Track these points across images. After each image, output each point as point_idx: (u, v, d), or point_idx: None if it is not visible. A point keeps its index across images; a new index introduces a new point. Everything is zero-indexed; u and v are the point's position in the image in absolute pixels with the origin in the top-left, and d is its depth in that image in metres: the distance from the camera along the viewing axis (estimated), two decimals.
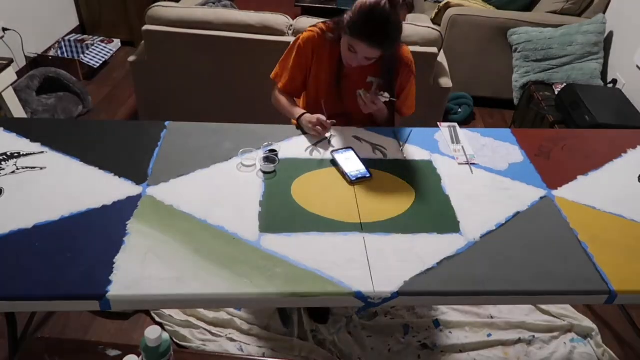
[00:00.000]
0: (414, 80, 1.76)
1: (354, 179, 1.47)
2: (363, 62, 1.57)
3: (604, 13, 3.20)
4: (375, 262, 1.21)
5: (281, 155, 1.54)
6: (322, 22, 1.71)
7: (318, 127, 1.63)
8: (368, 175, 1.49)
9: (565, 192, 1.50)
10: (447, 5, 3.35)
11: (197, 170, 1.46)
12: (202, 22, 2.47)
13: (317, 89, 1.75)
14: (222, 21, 2.47)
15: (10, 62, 2.36)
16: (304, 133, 1.68)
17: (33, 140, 1.53)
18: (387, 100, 1.60)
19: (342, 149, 1.59)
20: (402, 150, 1.58)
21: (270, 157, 1.49)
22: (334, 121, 1.65)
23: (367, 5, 1.46)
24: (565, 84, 2.96)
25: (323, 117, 1.63)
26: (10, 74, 2.38)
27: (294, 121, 1.73)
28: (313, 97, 1.78)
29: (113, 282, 1.10)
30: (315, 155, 1.58)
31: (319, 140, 1.64)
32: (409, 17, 3.54)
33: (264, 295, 1.12)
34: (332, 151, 1.57)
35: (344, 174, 1.49)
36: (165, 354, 1.15)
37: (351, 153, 1.57)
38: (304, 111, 1.70)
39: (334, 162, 1.55)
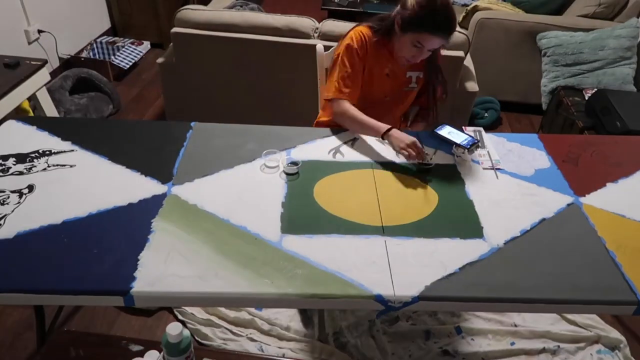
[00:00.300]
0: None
1: (468, 146, 1.58)
2: (425, 56, 1.60)
3: (638, 17, 3.11)
4: (397, 266, 1.21)
5: (304, 157, 1.54)
6: (360, 26, 1.69)
7: (411, 151, 1.51)
8: (476, 141, 1.60)
9: (594, 199, 1.46)
10: (475, 9, 3.31)
11: (221, 171, 1.48)
12: (229, 24, 2.50)
13: (368, 91, 1.73)
14: (248, 24, 2.50)
15: (44, 63, 2.43)
16: (326, 135, 1.68)
17: (64, 138, 1.57)
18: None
19: (437, 127, 1.68)
20: (431, 159, 1.58)
21: (294, 160, 1.50)
22: (427, 153, 1.57)
23: None
24: (595, 89, 2.89)
25: (417, 142, 1.51)
26: (44, 75, 2.45)
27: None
28: (362, 100, 1.72)
29: (137, 279, 1.12)
30: (338, 157, 1.58)
31: (341, 143, 1.64)
32: None
33: (285, 295, 1.13)
34: (432, 131, 1.68)
35: (455, 145, 1.60)
36: (186, 350, 1.16)
37: (449, 127, 1.67)
38: (389, 126, 1.57)
39: (436, 137, 1.65)
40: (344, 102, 1.65)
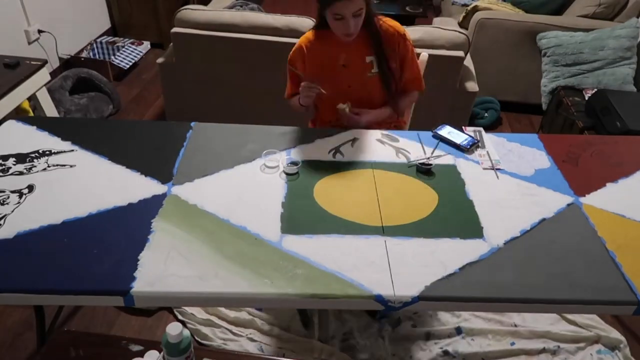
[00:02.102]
0: (414, 50, 1.76)
1: (469, 146, 1.62)
2: (357, 23, 1.56)
3: (638, 17, 3.11)
4: (397, 266, 1.21)
5: (304, 157, 1.55)
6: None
7: (309, 93, 1.65)
8: (476, 141, 1.64)
9: (594, 200, 1.46)
10: (475, 9, 3.31)
11: (221, 171, 1.48)
12: (229, 24, 2.50)
13: (331, 85, 1.72)
14: (248, 24, 2.49)
15: (44, 63, 2.43)
16: (326, 135, 1.68)
17: (64, 138, 1.57)
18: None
19: (438, 127, 1.69)
20: (429, 159, 1.58)
21: (294, 160, 1.50)
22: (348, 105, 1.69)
23: None
24: (595, 89, 2.89)
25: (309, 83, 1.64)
26: (44, 75, 2.45)
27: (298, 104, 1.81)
28: (325, 96, 1.72)
29: (137, 279, 1.13)
30: (338, 157, 1.58)
31: (341, 143, 1.64)
32: (436, 20, 3.52)
33: (285, 295, 1.13)
34: (432, 131, 1.69)
35: (455, 146, 1.63)
36: (186, 350, 1.16)
37: (449, 127, 1.69)
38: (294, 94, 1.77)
39: (437, 138, 1.67)
40: (288, 101, 1.87)
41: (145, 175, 1.44)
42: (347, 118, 1.72)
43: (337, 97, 1.71)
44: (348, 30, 1.57)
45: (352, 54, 1.69)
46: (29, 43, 3.11)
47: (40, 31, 3.16)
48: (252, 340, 1.89)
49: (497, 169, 1.57)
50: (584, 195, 1.47)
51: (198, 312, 1.96)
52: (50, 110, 2.59)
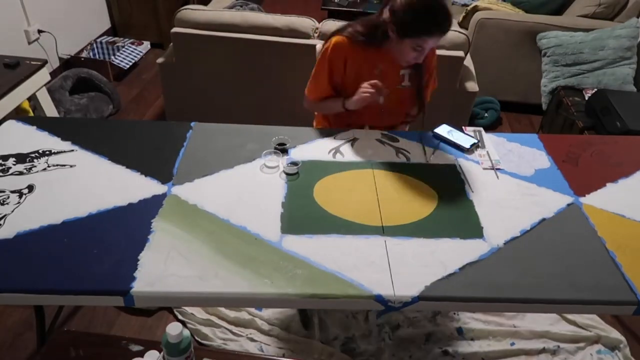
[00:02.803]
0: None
1: (470, 146, 1.62)
2: (427, 53, 1.59)
3: (638, 17, 3.11)
4: (396, 266, 1.21)
5: (304, 157, 1.55)
6: (345, 27, 1.68)
7: (369, 89, 1.58)
8: (476, 141, 1.65)
9: (594, 200, 1.46)
10: (475, 9, 3.31)
11: (221, 171, 1.48)
12: (229, 24, 2.50)
13: (355, 92, 1.70)
14: (248, 24, 2.50)
15: (44, 63, 2.43)
16: (326, 135, 1.68)
17: (64, 138, 1.57)
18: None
19: (437, 127, 1.70)
20: (429, 159, 1.58)
21: (294, 160, 1.50)
22: (387, 90, 1.62)
23: (417, 1, 1.46)
24: (595, 89, 2.89)
25: (377, 82, 1.59)
26: (44, 75, 2.45)
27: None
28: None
29: (137, 279, 1.13)
30: (338, 157, 1.58)
31: (341, 143, 1.64)
32: None
33: (285, 295, 1.13)
34: (432, 131, 1.70)
35: (455, 146, 1.64)
36: (186, 350, 1.16)
37: (449, 127, 1.70)
38: (337, 97, 1.72)
39: (437, 138, 1.68)
40: (309, 100, 1.79)
41: (145, 175, 1.44)
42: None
43: (367, 105, 1.69)
44: (419, 60, 1.60)
45: (388, 65, 1.67)
46: (29, 43, 3.11)
47: (40, 31, 3.16)
48: (252, 340, 1.89)
49: (497, 169, 1.57)
50: (584, 195, 1.47)
51: (198, 312, 1.96)
52: (50, 110, 2.59)
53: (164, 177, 1.44)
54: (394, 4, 1.50)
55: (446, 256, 1.24)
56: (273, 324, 1.94)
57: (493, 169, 1.57)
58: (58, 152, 1.51)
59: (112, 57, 3.58)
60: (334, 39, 1.67)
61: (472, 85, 2.56)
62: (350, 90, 1.69)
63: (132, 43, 3.75)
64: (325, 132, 1.70)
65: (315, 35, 2.51)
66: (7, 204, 1.31)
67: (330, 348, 1.86)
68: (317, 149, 1.61)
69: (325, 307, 1.78)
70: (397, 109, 1.78)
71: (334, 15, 3.68)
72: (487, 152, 1.64)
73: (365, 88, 1.59)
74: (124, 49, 3.65)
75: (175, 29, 2.54)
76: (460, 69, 2.49)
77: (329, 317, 1.97)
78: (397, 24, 1.51)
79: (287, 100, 2.69)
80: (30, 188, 1.37)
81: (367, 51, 1.66)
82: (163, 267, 1.16)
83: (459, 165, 1.57)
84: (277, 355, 1.83)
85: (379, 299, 1.13)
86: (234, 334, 1.91)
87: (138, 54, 3.68)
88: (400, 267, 1.20)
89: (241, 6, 3.39)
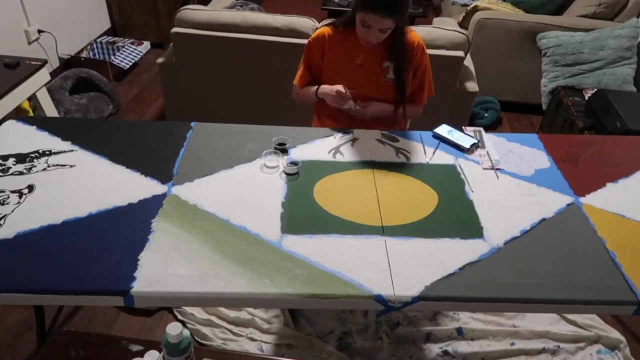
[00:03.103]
0: (428, 65, 1.78)
1: (470, 146, 1.62)
2: (379, 36, 1.59)
3: (638, 17, 3.11)
4: (396, 266, 1.21)
5: (304, 157, 1.55)
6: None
7: (339, 101, 1.67)
8: (476, 141, 1.65)
9: (593, 200, 1.46)
10: (475, 9, 3.31)
11: (221, 171, 1.48)
12: (229, 24, 2.50)
13: (334, 81, 1.74)
14: (248, 24, 2.50)
15: (44, 63, 2.43)
16: (326, 135, 1.68)
17: (64, 138, 1.57)
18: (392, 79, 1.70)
19: (437, 127, 1.70)
20: (429, 160, 1.58)
21: (294, 160, 1.50)
22: (353, 90, 1.67)
23: None
24: (595, 89, 2.89)
25: (341, 88, 1.65)
26: (44, 75, 2.45)
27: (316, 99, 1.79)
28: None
29: (137, 279, 1.13)
30: (338, 157, 1.58)
31: (341, 143, 1.64)
32: (436, 20, 3.52)
33: (285, 295, 1.13)
34: (432, 131, 1.70)
35: (455, 146, 1.64)
36: (186, 350, 1.16)
37: (449, 127, 1.69)
38: (318, 85, 1.77)
39: (437, 138, 1.68)
40: (295, 88, 1.86)
41: (145, 175, 1.44)
42: (354, 112, 1.74)
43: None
44: (369, 39, 1.61)
45: (370, 55, 1.71)
46: (29, 43, 3.11)
47: (40, 31, 3.16)
48: (252, 339, 1.89)
49: (497, 169, 1.57)
50: (584, 195, 1.47)
51: (198, 312, 1.96)
52: (50, 110, 2.59)
53: (164, 177, 1.44)
54: None
55: (446, 256, 1.24)
56: (273, 322, 1.94)
57: (493, 169, 1.57)
58: (58, 152, 1.51)
59: (112, 57, 3.58)
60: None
61: (472, 85, 2.56)
62: (328, 80, 1.76)
63: (132, 43, 3.74)
64: (325, 132, 1.70)
65: None
66: (7, 204, 1.31)
67: (330, 347, 1.86)
68: (317, 149, 1.61)
69: (325, 307, 1.78)
70: (384, 102, 1.77)
71: (334, 15, 3.68)
72: (487, 152, 1.64)
73: (333, 92, 1.67)
74: (124, 49, 3.65)
75: (175, 29, 2.54)
76: (460, 69, 2.49)
77: (323, 310, 1.97)
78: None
79: (287, 101, 2.68)
80: (30, 188, 1.37)
81: (348, 41, 1.69)
82: (163, 267, 1.16)
83: (459, 165, 1.57)
84: (277, 354, 1.83)
85: (379, 299, 1.13)
86: (233, 333, 1.91)
87: (138, 54, 3.68)
88: (400, 267, 1.20)
89: (241, 6, 3.38)
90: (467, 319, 2.00)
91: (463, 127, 1.73)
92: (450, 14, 3.77)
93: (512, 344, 1.93)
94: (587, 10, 3.19)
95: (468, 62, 2.65)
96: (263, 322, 1.94)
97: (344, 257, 1.22)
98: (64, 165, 1.46)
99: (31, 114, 2.64)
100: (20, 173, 1.42)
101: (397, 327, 1.96)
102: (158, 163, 1.49)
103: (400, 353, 1.88)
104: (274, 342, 1.89)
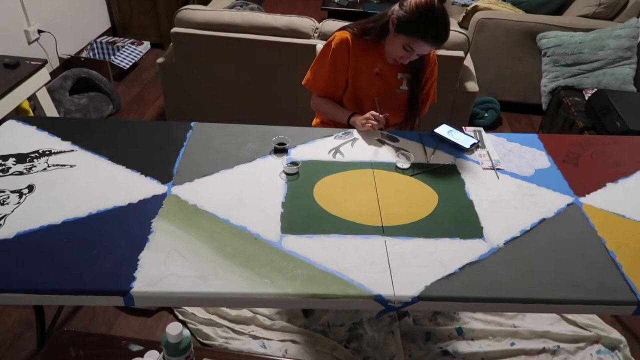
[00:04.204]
0: (436, 78, 1.83)
1: (470, 146, 1.62)
2: (413, 58, 1.62)
3: (638, 17, 3.11)
4: (396, 266, 1.21)
5: (304, 157, 1.55)
6: (351, 24, 1.74)
7: (372, 121, 1.66)
8: (476, 141, 1.64)
9: (594, 200, 1.46)
10: (475, 9, 3.31)
11: (221, 171, 1.48)
12: (229, 24, 2.50)
13: (355, 89, 1.77)
14: (249, 24, 2.50)
15: (44, 63, 2.43)
16: (326, 135, 1.68)
17: (64, 138, 1.57)
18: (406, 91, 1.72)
19: (437, 127, 1.69)
20: (429, 160, 1.58)
21: (294, 160, 1.50)
22: (387, 114, 1.69)
23: (425, 5, 1.50)
24: (595, 89, 2.89)
25: (375, 112, 1.66)
26: (44, 75, 2.45)
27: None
28: (352, 98, 1.80)
29: (137, 279, 1.12)
30: (338, 157, 1.58)
31: (341, 143, 1.64)
32: None
33: (285, 295, 1.13)
34: (432, 131, 1.69)
35: (455, 146, 1.63)
36: (186, 350, 1.16)
37: (449, 127, 1.69)
38: (352, 112, 1.75)
39: (437, 138, 1.67)
40: (316, 97, 1.84)
41: (145, 175, 1.44)
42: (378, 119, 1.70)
43: (364, 103, 1.76)
44: (403, 61, 1.63)
45: (387, 66, 1.72)
46: (29, 43, 3.11)
47: (40, 31, 3.16)
48: (254, 337, 1.89)
49: (497, 169, 1.57)
50: (584, 195, 1.47)
51: (199, 312, 1.96)
52: (50, 110, 2.59)
53: (164, 177, 1.44)
54: (404, 0, 1.56)
55: (446, 256, 1.24)
56: (275, 319, 1.94)
57: (493, 169, 1.57)
58: (58, 152, 1.51)
59: (112, 57, 3.58)
60: (337, 34, 1.71)
61: (472, 85, 2.56)
62: (348, 86, 1.74)
63: (132, 43, 3.75)
64: (325, 132, 1.70)
65: (315, 35, 2.51)
66: (7, 204, 1.31)
67: (333, 342, 1.86)
68: (317, 149, 1.61)
69: (325, 307, 1.78)
70: (396, 114, 1.79)
71: (334, 15, 3.68)
72: (487, 152, 1.64)
73: (368, 120, 1.66)
74: (124, 49, 3.65)
75: (175, 29, 2.54)
76: (460, 69, 2.50)
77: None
78: (399, 17, 1.55)
79: (287, 100, 2.69)
80: (30, 188, 1.37)
81: (367, 49, 1.69)
82: (163, 267, 1.16)
83: (459, 165, 1.57)
84: (280, 350, 1.83)
85: (378, 299, 1.13)
86: (235, 332, 1.91)
87: (138, 54, 3.68)
88: (400, 267, 1.20)
89: (241, 6, 3.39)
90: (467, 319, 2.00)
91: (463, 127, 1.73)
92: (450, 14, 3.76)
93: (512, 344, 1.93)
94: (587, 10, 3.19)
95: (468, 62, 2.65)
96: (265, 319, 1.94)
97: (344, 257, 1.22)
98: (64, 165, 1.46)
99: (31, 114, 2.64)
100: (20, 173, 1.42)
101: (404, 317, 1.97)
102: (158, 163, 1.49)
103: (400, 352, 1.87)
104: (277, 338, 1.88)
